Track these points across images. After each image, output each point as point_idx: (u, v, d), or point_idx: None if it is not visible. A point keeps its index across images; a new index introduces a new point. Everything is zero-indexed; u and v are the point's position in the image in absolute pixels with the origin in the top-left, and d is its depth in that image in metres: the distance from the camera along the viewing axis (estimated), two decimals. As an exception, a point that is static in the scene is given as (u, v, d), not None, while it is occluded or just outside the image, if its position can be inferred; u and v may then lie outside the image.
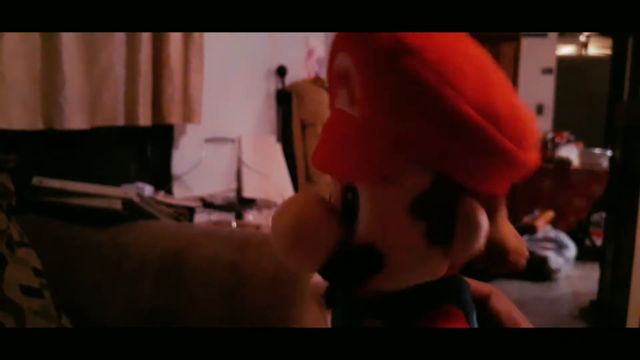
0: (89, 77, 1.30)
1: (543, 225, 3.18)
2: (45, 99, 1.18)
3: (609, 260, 2.26)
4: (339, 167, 0.33)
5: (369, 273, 0.32)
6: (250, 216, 2.01)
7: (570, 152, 3.65)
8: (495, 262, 0.35)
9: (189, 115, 1.74)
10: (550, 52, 4.67)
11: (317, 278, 0.41)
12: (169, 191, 1.77)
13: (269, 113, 2.62)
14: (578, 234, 3.49)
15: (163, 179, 1.79)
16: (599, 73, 4.40)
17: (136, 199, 1.08)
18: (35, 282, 0.85)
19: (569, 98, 4.84)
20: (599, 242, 3.08)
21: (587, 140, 3.96)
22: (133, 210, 1.09)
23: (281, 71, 2.61)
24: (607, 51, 4.59)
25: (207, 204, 1.74)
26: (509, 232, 0.35)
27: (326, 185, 1.36)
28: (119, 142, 1.56)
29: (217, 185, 2.10)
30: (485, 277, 0.38)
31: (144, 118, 1.49)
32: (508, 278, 2.88)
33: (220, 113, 2.12)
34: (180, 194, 1.83)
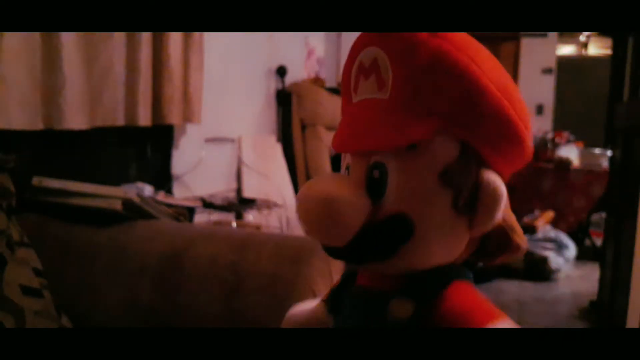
0: (89, 77, 1.30)
1: (543, 225, 3.18)
2: (45, 99, 1.18)
3: (609, 260, 2.26)
4: (369, 142, 0.34)
5: (401, 240, 0.34)
6: (250, 216, 2.01)
7: (570, 152, 3.64)
8: (502, 245, 0.37)
9: (189, 115, 1.74)
10: (550, 52, 4.67)
11: (293, 310, 0.42)
12: (169, 191, 1.77)
13: (269, 113, 2.62)
14: (578, 234, 3.48)
15: (163, 179, 1.79)
16: (599, 73, 4.40)
17: (136, 199, 1.08)
18: (35, 282, 0.85)
19: (569, 98, 4.84)
20: (599, 242, 3.08)
21: (587, 140, 3.96)
22: (133, 210, 1.09)
23: (281, 71, 2.61)
24: (607, 51, 4.58)
25: (207, 204, 1.74)
26: (512, 215, 0.38)
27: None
28: (119, 142, 1.56)
29: (217, 185, 2.10)
30: (487, 277, 0.39)
31: (144, 118, 1.49)
32: (508, 278, 2.88)
33: (220, 113, 2.12)
34: (180, 194, 1.83)
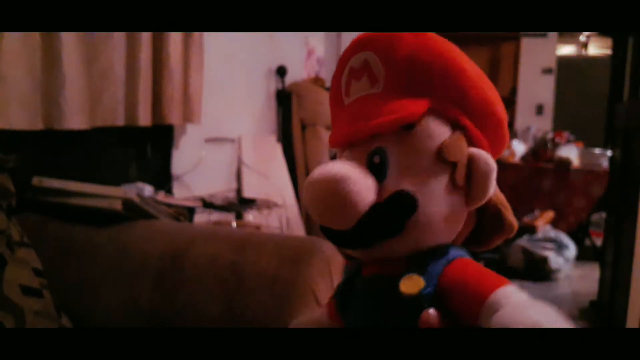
0: (89, 77, 1.30)
1: (543, 225, 3.18)
2: (45, 99, 1.18)
3: (609, 260, 2.26)
4: (368, 128, 0.37)
5: (406, 215, 0.35)
6: (250, 216, 2.01)
7: (570, 152, 3.64)
8: (496, 224, 0.40)
9: (189, 115, 1.74)
10: (550, 52, 4.67)
11: (298, 319, 0.42)
12: (169, 191, 1.77)
13: (269, 113, 2.62)
14: (578, 234, 3.48)
15: (163, 179, 1.79)
16: (599, 73, 4.40)
17: (136, 199, 1.08)
18: (35, 282, 0.85)
19: (569, 98, 4.84)
20: (599, 242, 3.08)
21: (587, 140, 3.96)
22: (133, 210, 1.09)
23: (281, 71, 2.61)
24: (607, 51, 4.58)
25: (207, 204, 1.74)
26: (501, 194, 0.41)
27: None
28: (119, 142, 1.56)
29: (217, 185, 2.10)
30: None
31: (144, 118, 1.49)
32: (508, 278, 2.88)
33: (220, 113, 2.12)
34: (180, 194, 1.83)
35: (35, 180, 1.07)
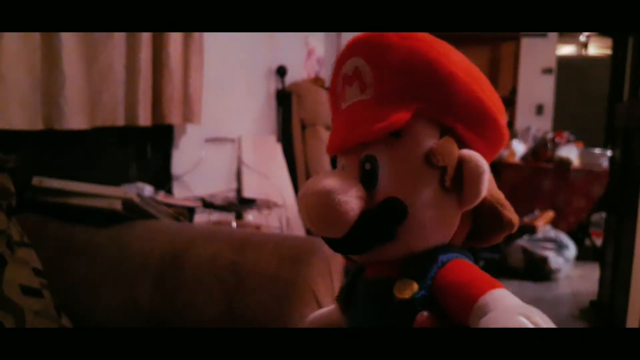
0: (89, 77, 1.30)
1: (543, 225, 3.18)
2: (45, 99, 1.18)
3: (609, 260, 2.26)
4: (357, 136, 0.38)
5: (396, 222, 0.36)
6: (250, 216, 2.01)
7: (570, 152, 3.64)
8: (494, 222, 0.40)
9: (189, 115, 1.74)
10: (550, 52, 4.67)
11: (310, 316, 0.43)
12: (169, 191, 1.77)
13: (269, 113, 2.62)
14: (578, 234, 3.48)
15: (163, 179, 1.79)
16: (599, 73, 4.40)
17: (136, 199, 1.08)
18: (35, 282, 0.85)
19: (569, 98, 4.84)
20: (599, 242, 3.08)
21: (587, 140, 3.96)
22: (133, 210, 1.09)
23: (281, 71, 2.61)
24: (607, 51, 4.58)
25: (207, 204, 1.74)
26: (499, 192, 0.40)
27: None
28: (119, 142, 1.56)
29: (217, 185, 2.10)
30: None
31: (144, 118, 1.49)
32: (508, 278, 2.88)
33: (220, 113, 2.12)
34: (180, 194, 1.83)
35: (35, 180, 1.07)
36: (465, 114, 0.37)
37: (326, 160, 2.56)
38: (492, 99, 0.39)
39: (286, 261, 0.90)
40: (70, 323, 0.90)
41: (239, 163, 2.28)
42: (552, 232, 3.11)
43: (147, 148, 1.71)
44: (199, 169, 1.93)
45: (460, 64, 0.38)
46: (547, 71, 4.66)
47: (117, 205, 1.05)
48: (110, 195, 1.06)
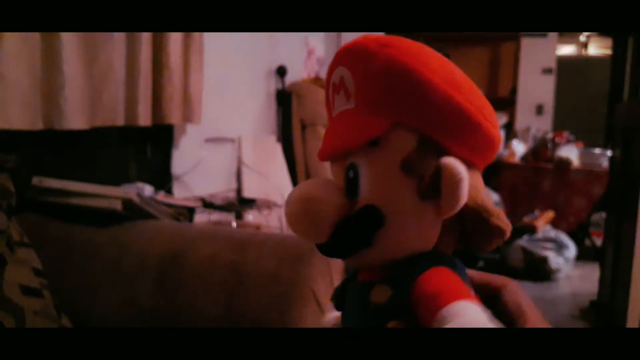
0: (89, 77, 1.30)
1: (543, 225, 3.18)
2: (45, 99, 1.18)
3: (609, 260, 2.26)
4: (338, 145, 0.39)
5: (373, 229, 0.37)
6: (250, 216, 2.01)
7: (570, 152, 3.64)
8: (479, 229, 0.39)
9: (189, 115, 1.74)
10: (550, 52, 4.67)
11: (325, 318, 0.44)
12: (169, 191, 1.77)
13: (269, 113, 2.62)
14: (578, 234, 3.48)
15: (163, 179, 1.79)
16: (599, 73, 4.40)
17: (136, 199, 1.08)
18: (35, 282, 0.85)
19: (569, 98, 4.84)
20: (599, 242, 3.08)
21: (587, 140, 3.96)
22: (133, 210, 1.09)
23: (281, 71, 2.61)
24: (607, 51, 4.59)
25: (207, 204, 1.74)
26: (487, 198, 0.40)
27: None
28: (119, 142, 1.56)
29: (217, 185, 2.10)
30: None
31: (144, 118, 1.49)
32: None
33: (220, 113, 2.12)
34: (180, 194, 1.83)
35: (35, 180, 1.07)
36: (442, 121, 0.38)
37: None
38: (475, 104, 0.38)
39: (286, 261, 0.90)
40: (70, 323, 0.90)
41: (239, 163, 2.28)
42: (552, 232, 3.11)
43: (147, 148, 1.72)
44: (199, 169, 1.93)
45: (439, 70, 0.38)
46: (547, 71, 4.66)
47: (117, 205, 1.05)
48: (110, 195, 1.07)
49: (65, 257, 1.03)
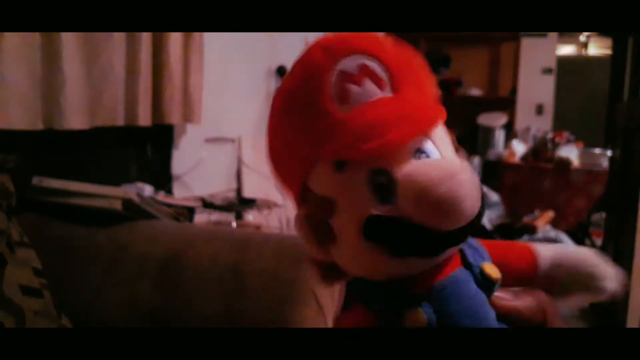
0: (89, 77, 1.30)
1: (543, 225, 3.18)
2: (45, 99, 1.18)
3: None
4: (421, 126, 0.34)
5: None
6: (250, 216, 2.01)
7: (570, 152, 3.64)
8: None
9: (189, 115, 1.74)
10: (550, 52, 4.66)
11: None
12: (169, 191, 1.77)
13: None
14: (578, 234, 3.48)
15: (163, 179, 1.79)
16: (599, 73, 4.39)
17: (136, 199, 1.08)
18: (35, 282, 0.85)
19: (569, 98, 4.84)
20: (599, 242, 3.08)
21: (587, 140, 3.96)
22: (133, 210, 1.09)
23: (281, 71, 2.61)
24: (607, 51, 4.58)
25: (207, 204, 1.74)
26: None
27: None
28: (119, 142, 1.56)
29: (217, 185, 2.10)
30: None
31: (144, 118, 1.49)
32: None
33: (220, 113, 2.12)
34: (180, 194, 1.83)
35: (35, 180, 1.07)
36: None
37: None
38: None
39: (286, 261, 0.90)
40: (70, 323, 0.90)
41: (239, 163, 2.28)
42: (552, 232, 3.11)
43: (147, 148, 1.72)
44: (199, 169, 1.93)
45: None
46: (547, 71, 4.66)
47: (117, 205, 1.05)
48: (110, 195, 1.07)
49: (65, 257, 1.03)
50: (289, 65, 0.38)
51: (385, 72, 0.35)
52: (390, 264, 0.33)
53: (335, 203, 0.34)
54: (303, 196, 0.37)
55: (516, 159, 3.81)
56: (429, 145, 0.35)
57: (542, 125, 4.46)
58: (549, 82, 4.67)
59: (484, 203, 0.34)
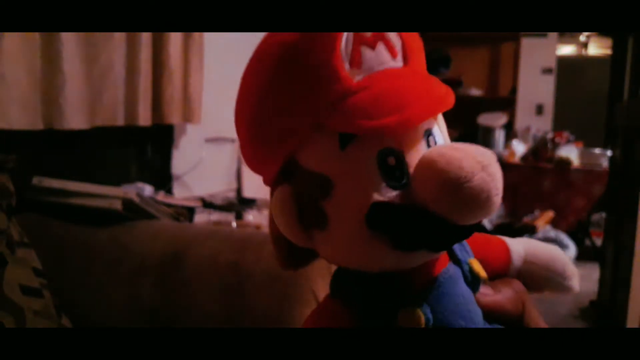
0: (89, 77, 1.30)
1: (543, 225, 3.18)
2: (45, 99, 1.18)
3: (609, 260, 2.26)
4: (445, 104, 0.30)
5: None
6: (250, 216, 2.01)
7: (570, 152, 3.64)
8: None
9: (189, 115, 1.74)
10: (550, 52, 4.66)
11: None
12: (169, 191, 1.77)
13: (269, 113, 2.62)
14: (578, 234, 3.48)
15: (163, 179, 1.79)
16: (599, 73, 4.39)
17: (136, 199, 1.08)
18: (35, 282, 0.85)
19: (569, 98, 4.84)
20: (599, 242, 3.08)
21: (587, 140, 3.96)
22: (133, 210, 1.09)
23: (281, 71, 2.61)
24: (607, 51, 4.58)
25: (207, 204, 1.74)
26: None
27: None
28: (119, 142, 1.56)
29: (217, 185, 2.10)
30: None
31: (144, 118, 1.49)
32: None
33: (220, 113, 2.11)
34: (180, 194, 1.83)
35: (35, 180, 1.07)
36: None
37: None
38: None
39: (286, 261, 0.90)
40: (70, 323, 0.90)
41: (239, 163, 2.28)
42: (552, 232, 3.11)
43: (147, 148, 1.71)
44: (199, 169, 1.93)
45: None
46: (547, 71, 4.66)
47: (117, 205, 1.05)
48: (110, 195, 1.07)
49: (65, 257, 1.03)
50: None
51: (397, 41, 0.31)
52: (389, 257, 0.29)
53: (333, 183, 0.29)
54: (287, 173, 0.32)
55: (516, 159, 3.81)
56: (436, 129, 0.32)
57: (542, 125, 4.46)
58: (549, 82, 4.67)
59: None
